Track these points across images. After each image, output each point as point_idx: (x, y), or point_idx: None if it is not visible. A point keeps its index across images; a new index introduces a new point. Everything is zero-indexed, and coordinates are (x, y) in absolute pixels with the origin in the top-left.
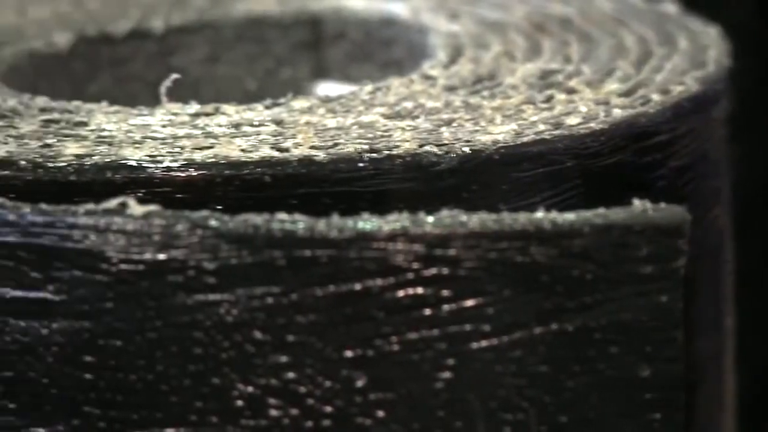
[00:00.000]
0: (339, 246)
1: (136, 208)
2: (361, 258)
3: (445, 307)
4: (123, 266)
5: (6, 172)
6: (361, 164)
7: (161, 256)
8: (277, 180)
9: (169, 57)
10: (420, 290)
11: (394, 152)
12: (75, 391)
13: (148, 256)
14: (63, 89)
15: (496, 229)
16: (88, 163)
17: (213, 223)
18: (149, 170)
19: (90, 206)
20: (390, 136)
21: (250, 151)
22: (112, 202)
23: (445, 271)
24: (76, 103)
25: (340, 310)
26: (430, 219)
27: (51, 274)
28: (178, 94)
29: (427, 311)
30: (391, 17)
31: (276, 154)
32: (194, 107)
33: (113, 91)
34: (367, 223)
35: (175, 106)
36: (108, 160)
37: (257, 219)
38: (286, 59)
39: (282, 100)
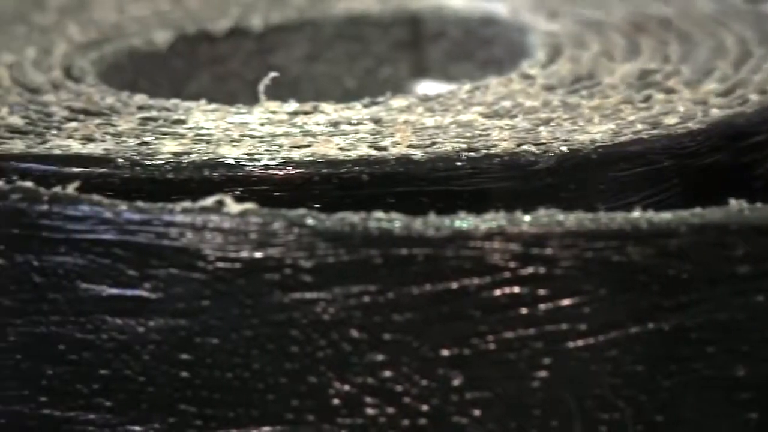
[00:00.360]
0: (436, 245)
1: (232, 206)
2: (458, 257)
3: (542, 306)
4: (220, 264)
5: (103, 170)
6: (458, 163)
7: (258, 254)
8: (374, 179)
9: (268, 55)
10: (516, 289)
11: (492, 151)
12: (171, 389)
13: (244, 254)
14: (162, 87)
15: (592, 228)
16: (186, 161)
17: (310, 221)
18: (247, 168)
19: (187, 204)
20: (488, 135)
21: (348, 150)
22: (209, 200)
23: (542, 270)
24: (174, 101)
25: (437, 309)
26: (527, 218)
27: (147, 272)
28: (277, 93)
29: (524, 310)
30: (491, 16)
31: (374, 152)
32: (293, 105)
33: (212, 89)
34: (463, 221)
35: (274, 105)
36: (206, 158)
37: (354, 217)
38: (385, 58)
39: (380, 99)
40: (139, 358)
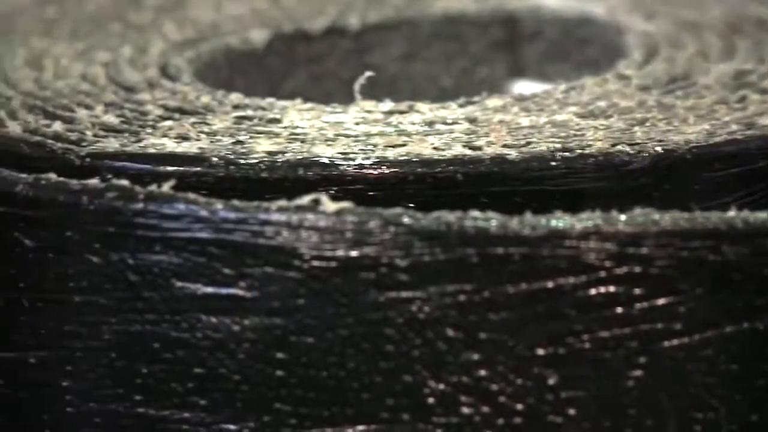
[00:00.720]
0: (532, 244)
1: (328, 205)
2: (554, 256)
3: (637, 305)
4: (315, 263)
5: (198, 169)
6: (553, 163)
7: (354, 253)
8: (469, 178)
9: (365, 54)
10: (612, 288)
11: (587, 151)
12: (266, 388)
13: (340, 252)
14: (258, 86)
15: (688, 227)
16: (280, 160)
17: (406, 220)
18: (341, 167)
19: (282, 203)
20: (583, 135)
21: (443, 149)
22: (305, 199)
23: (637, 269)
24: (269, 100)
25: (533, 308)
26: (623, 217)
27: (243, 271)
28: (374, 92)
29: (619, 309)
30: (588, 16)
31: (468, 152)
32: (388, 105)
33: (308, 88)
34: (560, 221)
35: (369, 104)
36: (300, 157)
37: (450, 216)
38: (482, 58)
39: (476, 99)
40: (234, 356)
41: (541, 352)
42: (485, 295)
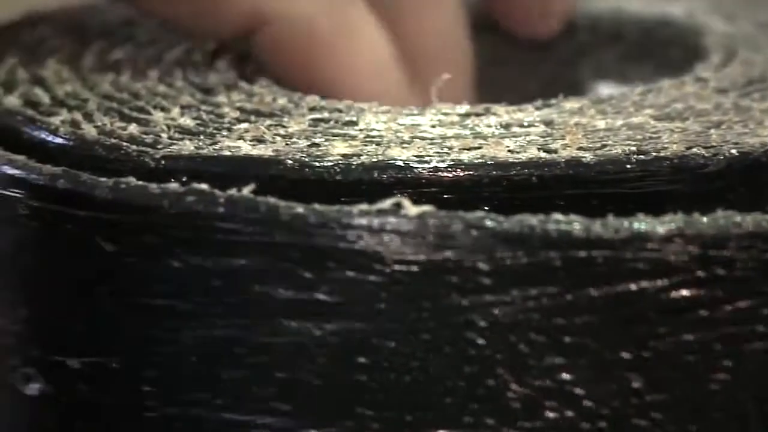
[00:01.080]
0: (614, 247)
1: (410, 209)
2: (637, 259)
3: (721, 308)
4: (397, 267)
5: (272, 171)
6: (628, 166)
7: (436, 257)
8: (544, 181)
9: None
10: (695, 291)
11: (662, 154)
12: (348, 393)
13: (422, 256)
14: None
15: None
16: (355, 162)
17: (488, 223)
18: (416, 170)
19: (364, 206)
20: (658, 137)
21: (518, 152)
22: (387, 203)
23: (720, 271)
24: (346, 102)
25: (616, 311)
26: (705, 220)
27: (325, 275)
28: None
29: (703, 312)
30: (668, 18)
31: (543, 155)
32: (465, 108)
33: None
34: (642, 223)
35: (446, 107)
36: (375, 159)
37: (533, 220)
38: (567, 61)
39: (553, 101)
40: (316, 361)
41: (625, 355)
42: (568, 298)
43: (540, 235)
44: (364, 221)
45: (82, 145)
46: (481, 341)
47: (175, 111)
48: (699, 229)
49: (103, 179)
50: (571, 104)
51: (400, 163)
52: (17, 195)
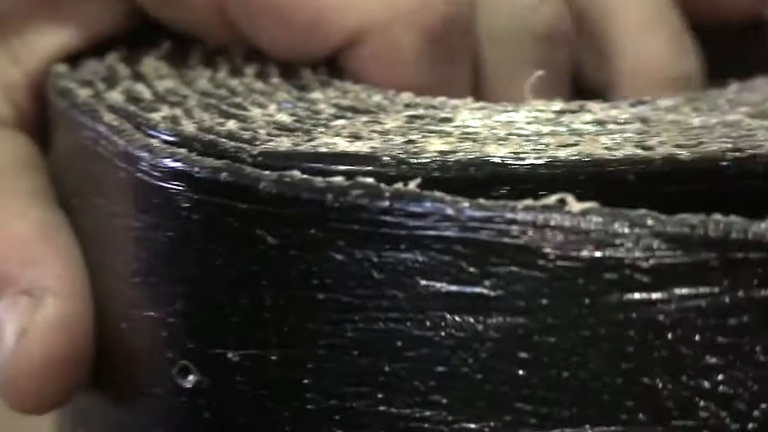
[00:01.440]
0: None
1: (574, 205)
2: None
3: None
4: (560, 263)
5: (369, 168)
6: (724, 163)
7: (598, 254)
8: (640, 178)
9: None
10: None
11: (758, 152)
12: (508, 388)
13: (585, 253)
14: None
15: None
16: (452, 159)
17: (650, 222)
18: (513, 167)
19: (528, 202)
20: (754, 135)
21: (614, 149)
22: (551, 198)
23: None
24: (440, 99)
25: None
26: None
27: (488, 270)
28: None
29: None
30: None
31: (640, 152)
32: (559, 104)
33: None
34: None
35: (540, 103)
36: (471, 156)
37: (693, 219)
38: None
39: (647, 98)
40: (476, 355)
41: None
42: (725, 299)
43: (700, 234)
44: (528, 216)
45: (181, 141)
46: (639, 339)
47: (272, 107)
48: None
49: (266, 172)
50: (666, 102)
51: (497, 160)
52: (179, 188)
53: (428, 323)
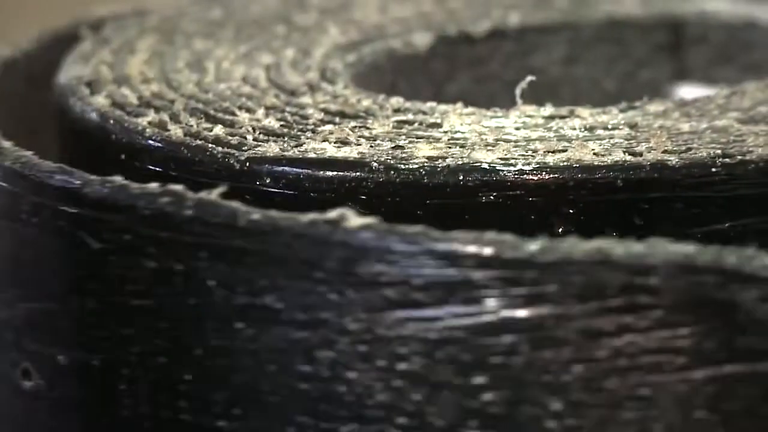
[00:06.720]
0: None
1: (353, 220)
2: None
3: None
4: (339, 277)
5: (358, 174)
6: (713, 169)
7: (375, 269)
8: (628, 184)
9: (528, 57)
10: None
11: (747, 157)
12: (292, 400)
13: (363, 269)
14: (422, 89)
15: None
16: (440, 165)
17: (423, 239)
18: (501, 173)
19: (313, 216)
20: (743, 140)
21: (603, 155)
22: (332, 213)
23: None
24: (430, 104)
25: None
26: (636, 247)
27: (276, 282)
28: (536, 95)
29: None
30: (754, 21)
31: (629, 158)
32: (549, 110)
33: (471, 91)
34: (572, 246)
35: (530, 108)
36: (460, 162)
37: (467, 236)
38: (645, 61)
39: (637, 104)
40: (265, 368)
41: None
42: (495, 318)
43: (472, 253)
44: (310, 231)
45: (168, 146)
46: (410, 355)
47: (260, 112)
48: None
49: (92, 177)
50: (656, 107)
51: (486, 166)
52: (18, 191)
53: (225, 333)
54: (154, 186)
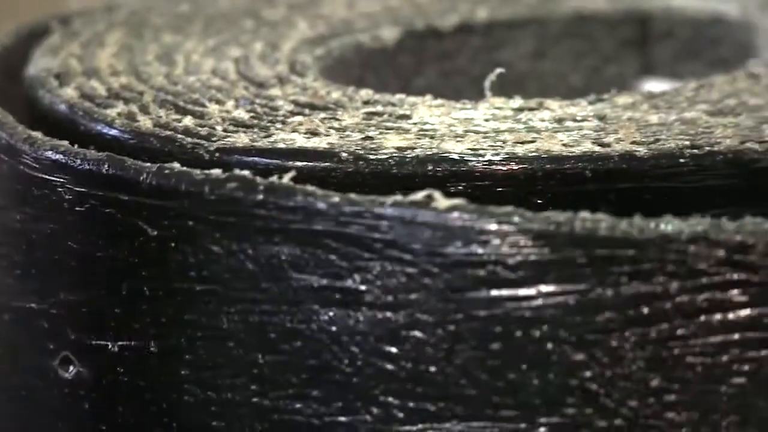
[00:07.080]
0: (639, 246)
1: (441, 201)
2: (662, 260)
3: (741, 312)
4: (427, 258)
5: (327, 164)
6: (681, 160)
7: (464, 250)
8: (597, 175)
9: (495, 51)
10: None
11: (716, 149)
12: (376, 381)
13: (451, 249)
14: (390, 83)
15: None
16: (410, 156)
17: (516, 219)
18: (470, 163)
19: (397, 198)
20: (712, 132)
21: (572, 146)
22: (419, 195)
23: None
24: (399, 96)
25: (638, 311)
26: (731, 225)
27: (358, 264)
28: (503, 89)
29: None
30: (720, 16)
31: (597, 149)
32: (518, 102)
33: (439, 85)
34: (668, 225)
35: (499, 101)
36: (429, 152)
37: (559, 217)
38: (612, 56)
39: (605, 96)
40: (347, 349)
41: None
42: (591, 296)
43: (565, 232)
44: (396, 212)
45: (137, 137)
46: (504, 335)
47: (230, 104)
48: (725, 234)
49: (147, 164)
50: (624, 99)
51: (455, 156)
52: (60, 180)
53: (300, 316)
54: (217, 172)
